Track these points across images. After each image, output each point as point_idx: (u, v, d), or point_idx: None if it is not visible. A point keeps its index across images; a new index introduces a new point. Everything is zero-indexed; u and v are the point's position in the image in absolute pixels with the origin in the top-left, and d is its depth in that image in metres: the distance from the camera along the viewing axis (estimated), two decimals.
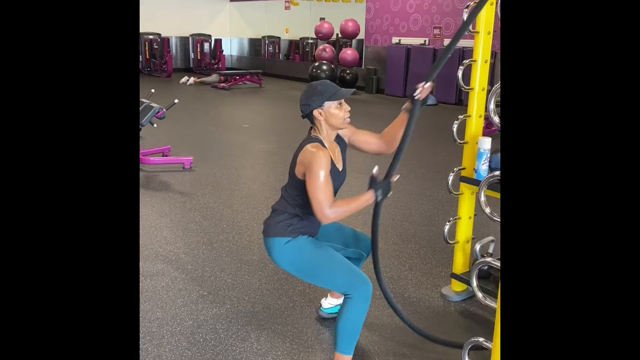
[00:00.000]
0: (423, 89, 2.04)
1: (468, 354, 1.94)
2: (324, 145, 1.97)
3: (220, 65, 14.51)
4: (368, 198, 1.96)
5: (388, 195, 1.99)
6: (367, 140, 2.17)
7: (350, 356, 1.99)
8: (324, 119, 1.98)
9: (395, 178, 2.00)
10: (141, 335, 2.31)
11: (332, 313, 2.48)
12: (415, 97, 2.05)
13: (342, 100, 2.00)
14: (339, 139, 2.12)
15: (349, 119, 2.03)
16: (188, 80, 12.54)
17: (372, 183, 1.98)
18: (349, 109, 2.02)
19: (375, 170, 1.99)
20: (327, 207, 1.88)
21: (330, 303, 2.47)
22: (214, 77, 12.73)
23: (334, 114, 1.97)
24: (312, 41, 15.36)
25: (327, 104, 1.96)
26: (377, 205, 2.06)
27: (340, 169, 2.08)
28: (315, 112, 1.97)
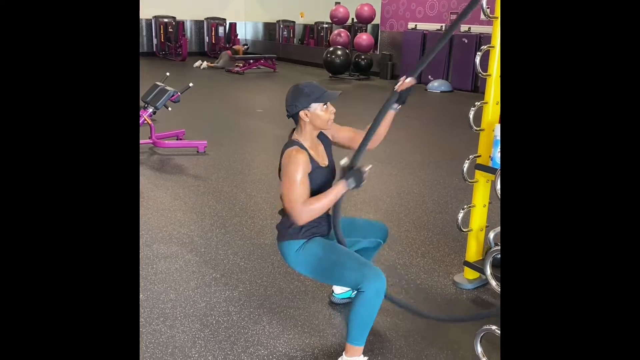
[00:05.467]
0: (404, 82, 2.08)
1: (480, 342, 1.94)
2: (303, 148, 2.01)
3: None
4: (340, 188, 1.98)
5: (362, 184, 2.00)
6: (350, 137, 2.21)
7: (362, 347, 1.99)
8: (309, 120, 2.02)
9: (367, 168, 2.01)
10: (154, 316, 2.34)
11: (344, 298, 2.49)
12: (395, 89, 2.08)
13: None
14: (322, 136, 2.16)
15: (332, 121, 2.07)
16: (202, 64, 12.54)
17: (343, 173, 2.00)
18: (334, 110, 2.05)
19: (343, 161, 2.02)
20: (300, 205, 1.92)
21: (342, 288, 2.48)
22: (224, 58, 12.68)
23: (320, 115, 2.01)
24: (327, 26, 15.25)
25: (313, 105, 2.00)
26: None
27: (325, 166, 2.10)
28: (302, 113, 2.01)
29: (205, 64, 12.55)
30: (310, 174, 2.00)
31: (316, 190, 2.03)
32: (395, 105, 2.10)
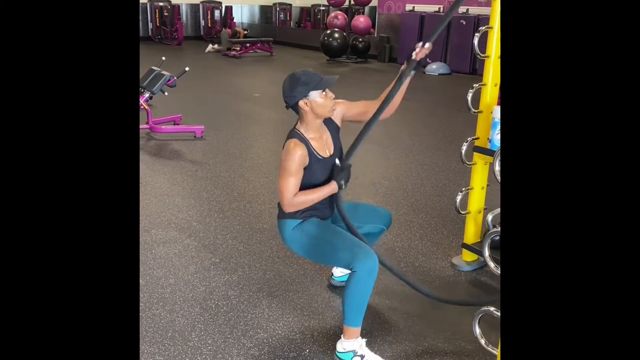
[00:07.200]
0: (421, 49, 2.01)
1: (478, 324, 1.95)
2: (303, 139, 2.00)
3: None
4: (332, 189, 2.02)
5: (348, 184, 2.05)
6: (362, 111, 2.16)
7: (359, 328, 1.99)
8: (310, 109, 1.99)
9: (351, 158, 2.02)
10: (154, 301, 2.35)
11: (343, 281, 2.49)
12: (412, 57, 2.02)
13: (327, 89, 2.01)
14: (328, 122, 2.12)
15: (335, 107, 2.04)
16: (212, 48, 12.49)
17: (334, 174, 2.02)
18: (333, 96, 2.03)
19: (337, 162, 2.04)
20: (289, 197, 1.96)
21: (342, 271, 2.49)
22: (224, 36, 12.52)
23: (320, 103, 1.98)
24: (324, 8, 15.11)
25: (312, 94, 1.97)
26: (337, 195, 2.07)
27: (329, 155, 2.07)
28: (301, 103, 1.98)
29: (211, 46, 12.51)
30: (307, 167, 1.99)
31: (314, 182, 2.03)
32: (412, 72, 2.03)
